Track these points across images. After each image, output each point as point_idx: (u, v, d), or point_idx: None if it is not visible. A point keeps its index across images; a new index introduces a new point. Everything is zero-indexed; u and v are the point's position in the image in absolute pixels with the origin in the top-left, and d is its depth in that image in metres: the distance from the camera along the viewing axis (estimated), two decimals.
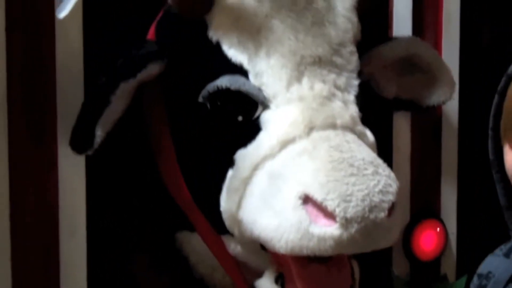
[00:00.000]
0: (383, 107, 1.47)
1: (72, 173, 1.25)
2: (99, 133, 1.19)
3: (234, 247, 1.29)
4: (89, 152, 1.22)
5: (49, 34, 1.21)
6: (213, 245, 1.33)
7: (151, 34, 1.31)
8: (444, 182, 1.61)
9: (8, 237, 1.20)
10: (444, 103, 1.48)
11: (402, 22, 1.52)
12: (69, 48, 1.23)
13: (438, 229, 1.59)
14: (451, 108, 1.58)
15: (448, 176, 1.61)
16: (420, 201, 1.58)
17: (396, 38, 1.47)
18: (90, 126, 1.19)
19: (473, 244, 1.78)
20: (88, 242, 1.27)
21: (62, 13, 1.12)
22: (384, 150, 1.27)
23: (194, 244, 1.38)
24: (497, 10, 1.79)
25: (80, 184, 1.25)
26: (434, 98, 1.45)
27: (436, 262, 1.61)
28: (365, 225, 1.09)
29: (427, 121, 1.57)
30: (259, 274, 1.28)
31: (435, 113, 1.57)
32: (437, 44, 1.56)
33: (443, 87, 1.45)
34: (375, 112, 1.30)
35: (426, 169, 1.59)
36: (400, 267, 1.58)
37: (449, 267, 1.63)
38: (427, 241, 1.58)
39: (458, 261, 1.64)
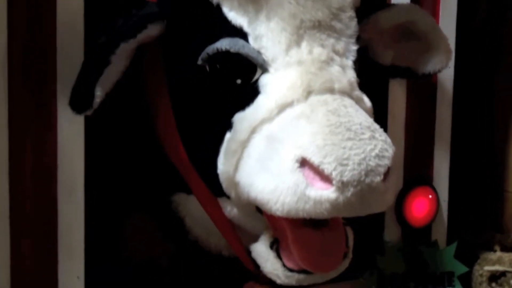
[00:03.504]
0: (379, 73, 1.47)
1: (71, 133, 1.24)
2: (99, 93, 1.20)
3: (230, 210, 1.30)
4: (88, 113, 1.22)
5: None
6: (209, 207, 1.34)
7: None
8: (437, 150, 1.62)
9: (7, 196, 1.20)
10: (440, 71, 1.48)
11: None
12: (70, 7, 1.22)
13: (430, 196, 1.60)
14: (447, 76, 1.59)
15: (442, 144, 1.62)
16: (413, 168, 1.60)
17: (394, 5, 1.46)
18: (90, 86, 1.19)
19: (464, 212, 1.80)
20: (86, 202, 1.27)
21: None
22: (380, 116, 1.28)
23: (190, 207, 1.39)
24: None
25: (78, 144, 1.25)
26: (430, 66, 1.46)
27: (427, 228, 1.63)
28: (361, 188, 1.11)
29: (423, 89, 1.58)
30: (255, 238, 1.29)
31: (431, 80, 1.58)
32: (435, 12, 1.56)
33: (440, 55, 1.45)
34: (372, 78, 1.31)
35: (420, 136, 1.60)
36: (392, 233, 1.60)
37: (440, 234, 1.65)
38: (419, 207, 1.60)
39: (449, 228, 1.66)
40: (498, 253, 1.71)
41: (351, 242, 1.28)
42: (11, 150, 1.20)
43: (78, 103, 1.21)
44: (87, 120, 1.26)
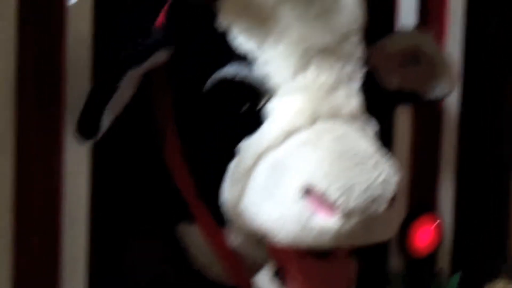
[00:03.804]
0: (385, 98, 1.47)
1: (77, 159, 1.24)
2: (105, 120, 1.20)
3: (233, 239, 1.29)
4: (94, 139, 1.22)
5: (60, 19, 1.21)
6: (212, 237, 1.33)
7: (159, 21, 1.31)
8: (442, 178, 1.62)
9: (11, 223, 1.20)
10: (446, 96, 1.49)
11: (407, 14, 1.54)
12: (79, 34, 1.23)
13: (435, 224, 1.60)
14: (452, 102, 1.59)
15: (447, 171, 1.62)
16: (418, 195, 1.59)
17: (400, 30, 1.48)
18: (97, 113, 1.19)
19: (469, 241, 1.79)
20: (89, 231, 1.27)
21: None
22: (385, 142, 1.28)
23: (194, 236, 1.38)
24: (503, 4, 1.80)
25: (84, 170, 1.25)
26: (435, 92, 1.46)
27: (432, 257, 1.62)
28: (365, 217, 1.10)
29: (428, 115, 1.58)
30: (259, 268, 1.28)
31: (436, 107, 1.58)
32: (441, 37, 1.57)
33: (445, 81, 1.45)
34: (378, 104, 1.31)
35: (425, 163, 1.60)
36: (395, 262, 1.59)
37: (444, 263, 1.64)
38: (424, 236, 1.59)
39: (454, 257, 1.65)
40: (504, 283, 1.70)
41: (355, 272, 1.27)
42: (18, 175, 1.20)
43: (85, 129, 1.21)
44: (94, 146, 1.26)
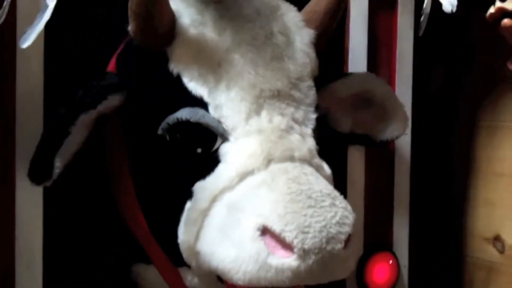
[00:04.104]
0: (338, 140, 1.49)
1: (29, 204, 1.24)
2: (58, 164, 1.19)
3: (191, 280, 1.29)
4: (47, 184, 1.21)
5: (10, 63, 1.21)
6: (169, 277, 1.33)
7: (111, 66, 1.32)
8: (396, 216, 1.64)
9: None
10: (397, 138, 1.51)
11: (357, 58, 1.56)
12: (29, 78, 1.23)
13: (390, 261, 1.61)
14: (404, 142, 1.61)
15: (400, 209, 1.64)
16: (373, 234, 1.61)
17: (351, 74, 1.50)
18: (49, 157, 1.19)
19: (425, 277, 1.81)
20: (44, 275, 1.25)
21: (26, 43, 1.12)
22: (339, 183, 1.29)
23: (150, 277, 1.38)
24: (448, 51, 1.85)
25: (37, 215, 1.25)
26: (387, 133, 1.48)
27: None
28: (322, 256, 1.11)
29: (381, 155, 1.60)
30: None
31: (389, 147, 1.60)
32: (391, 80, 1.60)
33: (396, 122, 1.48)
34: (331, 146, 1.33)
35: (379, 202, 1.62)
36: None
37: None
38: (380, 273, 1.60)
39: None
40: None
41: None
42: None
43: (37, 174, 1.21)
44: (46, 191, 1.25)
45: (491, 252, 1.71)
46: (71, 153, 1.21)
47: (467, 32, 1.80)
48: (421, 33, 1.39)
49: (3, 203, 1.22)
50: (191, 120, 1.20)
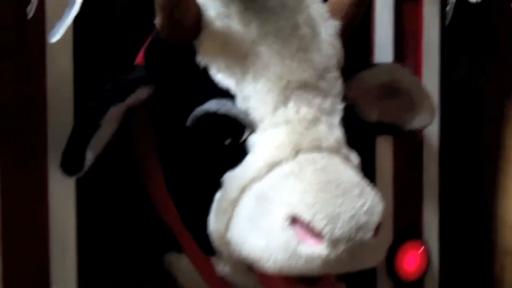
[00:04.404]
0: (366, 130, 1.49)
1: (62, 196, 1.26)
2: (89, 156, 1.22)
3: (222, 268, 1.30)
4: (79, 175, 1.24)
5: (40, 57, 1.23)
6: (201, 266, 1.35)
7: (139, 59, 1.34)
8: (426, 204, 1.64)
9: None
10: (425, 127, 1.51)
11: (383, 48, 1.56)
12: (59, 72, 1.25)
13: (421, 250, 1.61)
14: (432, 131, 1.61)
15: (430, 197, 1.64)
16: (403, 222, 1.61)
17: (377, 64, 1.50)
18: (80, 149, 1.21)
19: (456, 265, 1.81)
20: (78, 264, 1.28)
21: (55, 37, 1.14)
22: (368, 172, 1.29)
23: (182, 266, 1.40)
24: (476, 39, 1.84)
25: (70, 207, 1.27)
26: (415, 123, 1.48)
27: (419, 282, 1.63)
28: (352, 245, 1.11)
29: (409, 145, 1.60)
30: None
31: (417, 136, 1.60)
32: (417, 70, 1.60)
33: (424, 112, 1.48)
34: (359, 136, 1.33)
35: (408, 191, 1.62)
36: (384, 287, 1.60)
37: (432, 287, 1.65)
38: (410, 261, 1.61)
39: (441, 281, 1.67)
40: None
41: None
42: (3, 214, 1.21)
43: (69, 166, 1.23)
44: (79, 182, 1.27)
45: None
46: (102, 145, 1.24)
47: (493, 20, 1.79)
48: (447, 22, 1.39)
49: (37, 195, 1.24)
50: (219, 112, 1.21)
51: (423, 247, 1.62)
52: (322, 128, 1.23)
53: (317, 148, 1.20)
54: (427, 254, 1.62)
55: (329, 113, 1.25)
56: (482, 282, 1.78)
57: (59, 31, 1.13)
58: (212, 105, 1.22)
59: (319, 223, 1.10)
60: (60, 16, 1.14)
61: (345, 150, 1.25)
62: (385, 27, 1.56)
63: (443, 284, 1.66)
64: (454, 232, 1.80)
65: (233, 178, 1.21)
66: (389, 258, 1.58)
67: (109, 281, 1.43)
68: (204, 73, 1.23)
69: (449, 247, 1.73)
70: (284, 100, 1.22)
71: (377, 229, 1.15)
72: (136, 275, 1.44)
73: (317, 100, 1.24)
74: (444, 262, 1.67)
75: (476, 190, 1.83)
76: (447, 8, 1.36)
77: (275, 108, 1.21)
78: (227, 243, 1.22)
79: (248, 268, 1.25)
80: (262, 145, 1.21)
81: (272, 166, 1.19)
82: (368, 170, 1.31)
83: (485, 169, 1.81)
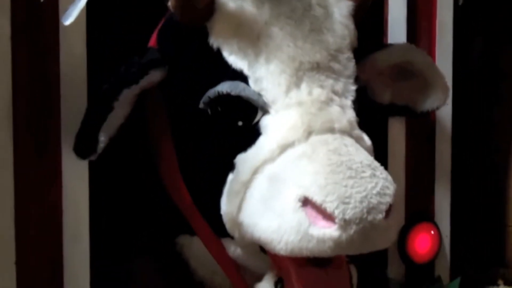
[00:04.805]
0: (378, 112, 1.49)
1: (75, 178, 1.27)
2: (102, 139, 1.22)
3: (234, 250, 1.31)
4: (93, 158, 1.24)
5: (53, 40, 1.23)
6: (213, 248, 1.35)
7: (152, 41, 1.34)
8: (438, 186, 1.64)
9: (13, 244, 1.22)
10: (438, 108, 1.50)
11: (396, 29, 1.56)
12: (73, 54, 1.25)
13: (432, 232, 1.62)
14: (445, 113, 1.61)
15: (442, 180, 1.64)
16: (415, 205, 1.61)
17: (391, 45, 1.49)
18: (94, 132, 1.22)
19: (467, 247, 1.81)
20: (91, 247, 1.29)
21: (68, 20, 1.14)
22: (380, 154, 1.29)
23: (194, 248, 1.40)
24: (489, 19, 1.83)
25: (83, 189, 1.27)
26: (428, 104, 1.47)
27: (430, 264, 1.63)
28: (363, 226, 1.11)
29: (422, 126, 1.60)
30: (259, 278, 1.29)
31: (429, 118, 1.60)
32: (431, 51, 1.59)
33: (437, 93, 1.47)
34: (371, 117, 1.33)
35: (421, 173, 1.62)
36: (395, 270, 1.61)
37: (443, 269, 1.65)
38: (422, 243, 1.61)
39: (452, 263, 1.67)
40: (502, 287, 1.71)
41: (355, 280, 1.28)
42: (17, 196, 1.22)
43: (82, 148, 1.23)
44: (92, 165, 1.28)
45: None
46: (115, 128, 1.24)
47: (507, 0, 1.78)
48: (461, 2, 1.38)
49: (50, 177, 1.25)
50: (232, 93, 1.21)
51: (434, 229, 1.62)
52: (334, 109, 1.22)
53: (330, 129, 1.20)
54: (439, 236, 1.62)
55: (342, 94, 1.25)
56: (493, 264, 1.78)
57: (72, 14, 1.14)
58: (225, 87, 1.22)
59: (330, 205, 1.11)
60: None
61: (358, 131, 1.25)
62: (398, 7, 1.56)
63: (454, 266, 1.66)
64: (465, 214, 1.80)
65: (245, 159, 1.21)
66: (400, 240, 1.58)
67: (121, 262, 1.44)
68: (217, 54, 1.23)
69: (461, 229, 1.74)
70: (296, 81, 1.21)
71: (389, 210, 1.15)
72: (149, 257, 1.45)
73: (329, 81, 1.24)
74: (456, 244, 1.67)
75: (488, 172, 1.83)
76: None
77: (288, 90, 1.21)
78: (239, 225, 1.22)
79: (260, 250, 1.25)
80: (274, 127, 1.21)
81: (285, 147, 1.19)
82: (380, 152, 1.31)
83: (497, 150, 1.81)
